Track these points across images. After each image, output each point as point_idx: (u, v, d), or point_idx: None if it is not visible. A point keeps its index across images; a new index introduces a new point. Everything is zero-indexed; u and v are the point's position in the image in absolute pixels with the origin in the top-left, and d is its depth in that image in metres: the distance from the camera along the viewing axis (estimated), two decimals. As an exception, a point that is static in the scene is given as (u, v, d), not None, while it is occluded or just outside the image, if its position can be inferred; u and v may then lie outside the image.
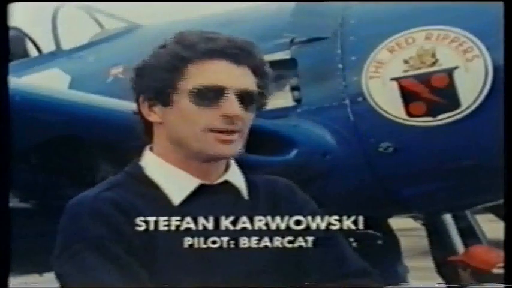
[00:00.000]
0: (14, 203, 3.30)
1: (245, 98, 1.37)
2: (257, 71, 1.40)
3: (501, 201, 1.94)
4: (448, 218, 4.33)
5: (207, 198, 1.39)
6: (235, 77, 1.37)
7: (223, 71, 1.36)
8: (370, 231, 3.97)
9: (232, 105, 1.35)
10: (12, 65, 3.04)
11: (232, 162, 1.46)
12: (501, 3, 1.85)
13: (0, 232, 1.57)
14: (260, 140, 2.98)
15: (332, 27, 3.55)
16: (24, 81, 4.00)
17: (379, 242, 3.99)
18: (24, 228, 2.77)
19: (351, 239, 3.95)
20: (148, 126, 1.44)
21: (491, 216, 4.69)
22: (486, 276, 3.49)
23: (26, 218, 3.40)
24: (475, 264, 3.72)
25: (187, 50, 1.37)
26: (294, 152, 3.39)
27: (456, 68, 3.21)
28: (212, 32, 1.41)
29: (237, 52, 1.37)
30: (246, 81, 1.38)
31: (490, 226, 4.56)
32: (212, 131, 1.36)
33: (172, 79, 1.37)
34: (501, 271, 3.50)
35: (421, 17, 3.38)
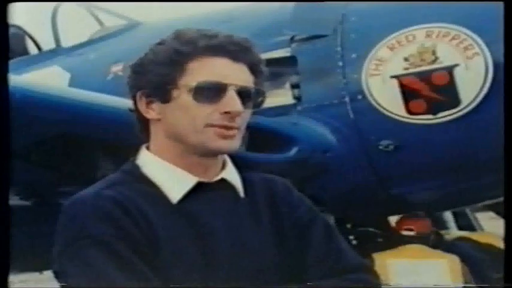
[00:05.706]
0: (14, 200, 3.30)
1: (244, 94, 1.37)
2: (254, 68, 1.40)
3: (501, 198, 1.94)
4: (448, 215, 4.34)
5: (205, 196, 1.39)
6: (235, 73, 1.37)
7: (224, 68, 1.37)
8: (370, 229, 3.98)
9: (233, 102, 1.35)
10: (12, 62, 3.04)
11: (229, 160, 1.46)
12: (501, 3, 1.84)
13: (0, 230, 1.57)
14: (261, 138, 2.98)
15: (332, 25, 3.54)
16: (24, 78, 3.99)
17: (379, 239, 4.00)
18: (24, 226, 2.77)
19: (351, 237, 3.97)
20: (145, 124, 1.43)
21: (491, 214, 4.70)
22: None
23: (26, 215, 3.40)
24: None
25: (187, 45, 1.36)
26: (294, 150, 3.39)
27: (456, 65, 3.20)
28: (209, 30, 1.40)
29: (236, 49, 1.37)
30: (244, 77, 1.39)
31: (490, 223, 4.56)
32: (212, 126, 1.36)
33: (172, 74, 1.36)
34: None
35: (421, 14, 3.38)
